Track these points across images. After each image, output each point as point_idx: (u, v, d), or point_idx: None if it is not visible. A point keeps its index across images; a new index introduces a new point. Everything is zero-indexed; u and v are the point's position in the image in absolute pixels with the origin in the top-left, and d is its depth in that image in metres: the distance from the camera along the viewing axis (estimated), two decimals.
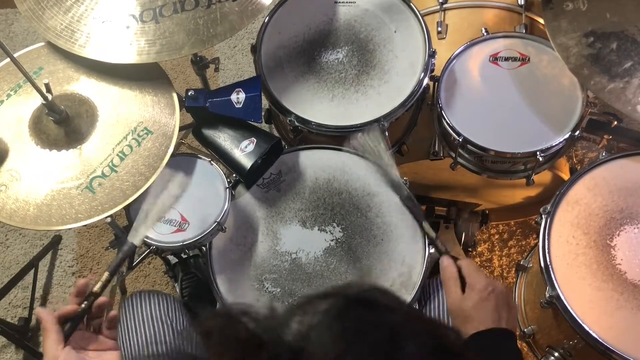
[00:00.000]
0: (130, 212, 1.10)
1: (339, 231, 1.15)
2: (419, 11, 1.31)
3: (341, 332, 0.33)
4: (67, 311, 0.80)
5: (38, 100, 1.05)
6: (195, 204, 1.11)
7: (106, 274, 0.85)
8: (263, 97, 1.20)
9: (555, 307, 1.09)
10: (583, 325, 1.04)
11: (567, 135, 1.20)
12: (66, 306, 0.81)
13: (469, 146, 1.23)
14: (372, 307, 0.37)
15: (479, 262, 1.77)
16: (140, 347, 1.07)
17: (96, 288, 0.83)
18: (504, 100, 1.26)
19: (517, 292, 1.40)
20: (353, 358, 0.31)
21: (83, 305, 0.81)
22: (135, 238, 0.88)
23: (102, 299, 0.83)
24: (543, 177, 1.36)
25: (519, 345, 1.65)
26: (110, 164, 1.06)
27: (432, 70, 1.27)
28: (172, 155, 1.08)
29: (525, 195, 1.59)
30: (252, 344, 0.34)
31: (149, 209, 0.89)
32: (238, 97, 1.15)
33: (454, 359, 0.35)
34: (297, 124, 1.23)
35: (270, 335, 0.34)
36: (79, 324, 0.81)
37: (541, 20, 1.36)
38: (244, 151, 1.14)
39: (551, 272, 1.10)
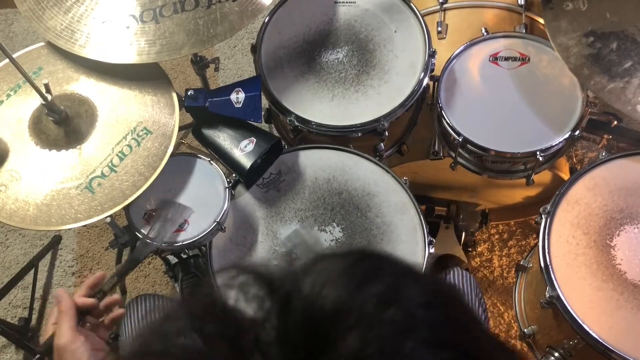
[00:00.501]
0: (130, 212, 1.10)
1: (339, 231, 1.15)
2: (419, 11, 1.31)
3: (348, 282, 0.34)
4: (87, 303, 0.78)
5: (38, 101, 1.04)
6: (195, 204, 1.11)
7: (115, 278, 0.86)
8: (263, 97, 1.20)
9: (555, 307, 1.09)
10: (583, 325, 1.04)
11: (567, 135, 1.20)
12: (87, 298, 0.79)
13: (469, 146, 1.23)
14: (380, 259, 0.39)
15: (479, 262, 1.77)
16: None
17: (106, 288, 0.83)
18: (504, 100, 1.26)
19: (517, 292, 1.40)
20: (360, 299, 0.33)
21: (95, 300, 0.81)
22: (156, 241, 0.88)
23: (115, 296, 0.82)
24: (543, 177, 1.36)
25: (519, 346, 1.65)
26: (110, 164, 1.06)
27: (432, 70, 1.27)
28: (172, 155, 1.08)
29: (525, 195, 1.59)
30: (270, 291, 0.34)
31: (173, 215, 0.90)
32: (238, 97, 1.15)
33: (454, 305, 0.38)
34: (297, 123, 1.23)
35: (291, 281, 0.35)
36: (83, 319, 0.80)
37: (541, 20, 1.35)
38: (243, 151, 1.14)
39: (551, 272, 1.10)
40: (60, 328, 0.74)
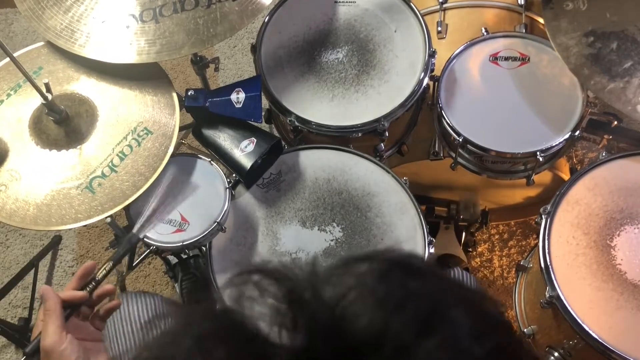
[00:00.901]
0: (131, 212, 1.10)
1: (339, 231, 1.15)
2: (419, 11, 1.31)
3: (384, 297, 0.31)
4: (76, 297, 0.76)
5: (38, 100, 1.04)
6: (195, 204, 1.11)
7: (110, 263, 0.84)
8: (263, 97, 1.20)
9: (555, 307, 1.09)
10: (583, 325, 1.04)
11: (567, 135, 1.20)
12: (75, 292, 0.77)
13: (469, 146, 1.23)
14: (415, 273, 0.35)
15: (479, 262, 1.77)
16: (127, 351, 1.04)
17: (99, 276, 0.81)
18: (504, 100, 1.26)
19: (517, 292, 1.40)
20: (397, 324, 0.29)
21: (86, 290, 0.78)
22: (140, 231, 0.87)
23: (108, 287, 0.80)
24: (543, 177, 1.36)
25: None
26: (110, 164, 1.06)
27: (432, 70, 1.27)
28: (172, 155, 1.08)
29: (525, 195, 1.59)
30: (290, 300, 0.32)
31: (157, 205, 0.89)
32: (238, 97, 1.14)
33: (497, 326, 0.33)
34: (297, 124, 1.23)
35: (312, 290, 0.31)
36: (76, 310, 0.77)
37: (541, 20, 1.35)
38: (244, 151, 1.14)
39: (551, 272, 1.10)
40: (46, 329, 0.72)
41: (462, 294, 0.34)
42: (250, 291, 0.32)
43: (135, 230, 0.88)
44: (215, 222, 1.09)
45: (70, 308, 0.76)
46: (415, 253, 0.34)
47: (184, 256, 1.60)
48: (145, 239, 1.05)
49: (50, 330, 0.71)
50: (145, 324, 1.07)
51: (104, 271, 0.82)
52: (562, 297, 1.07)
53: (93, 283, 0.80)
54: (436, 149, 1.36)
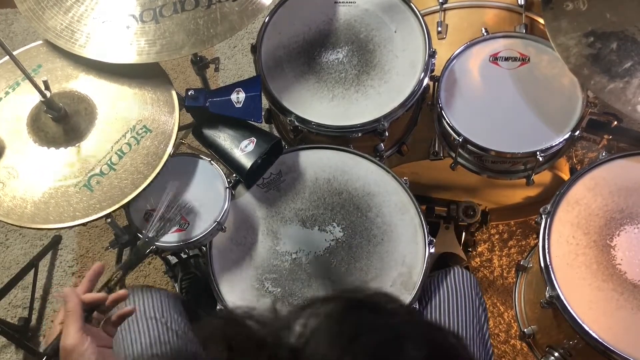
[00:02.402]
0: (130, 211, 1.10)
1: (339, 231, 1.15)
2: (419, 11, 1.31)
3: (338, 335, 0.33)
4: (98, 299, 0.77)
5: (36, 98, 1.04)
6: (195, 204, 1.11)
7: (120, 272, 0.85)
8: (263, 97, 1.20)
9: (555, 307, 1.09)
10: (583, 325, 1.04)
11: (567, 135, 1.20)
12: (96, 294, 0.78)
13: (469, 146, 1.23)
14: (373, 310, 0.37)
15: (479, 262, 1.77)
16: (132, 346, 1.05)
17: (112, 283, 0.82)
18: (504, 100, 1.26)
19: (517, 292, 1.40)
20: (349, 356, 0.31)
21: (104, 294, 0.79)
22: (155, 237, 0.88)
23: (122, 292, 0.81)
24: (543, 177, 1.36)
25: (519, 346, 1.65)
26: (109, 162, 1.06)
27: (432, 70, 1.27)
28: (172, 155, 1.08)
29: (525, 195, 1.59)
30: (253, 345, 0.34)
31: (167, 211, 0.90)
32: (238, 97, 1.15)
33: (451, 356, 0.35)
34: (297, 124, 1.23)
35: (273, 336, 0.34)
36: (90, 316, 0.78)
37: (541, 20, 1.36)
38: (244, 151, 1.14)
39: (551, 272, 1.10)
40: (67, 329, 0.73)
41: (417, 329, 0.36)
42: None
43: (150, 235, 0.88)
44: (216, 221, 1.09)
45: (88, 311, 0.77)
46: (381, 291, 0.35)
47: (184, 256, 1.60)
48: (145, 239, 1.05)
49: (72, 331, 0.72)
50: (150, 320, 1.08)
51: (116, 279, 0.83)
52: (562, 297, 1.07)
53: (106, 288, 0.80)
54: (436, 149, 1.36)
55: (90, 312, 0.78)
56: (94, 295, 0.77)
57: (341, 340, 0.32)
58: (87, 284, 0.79)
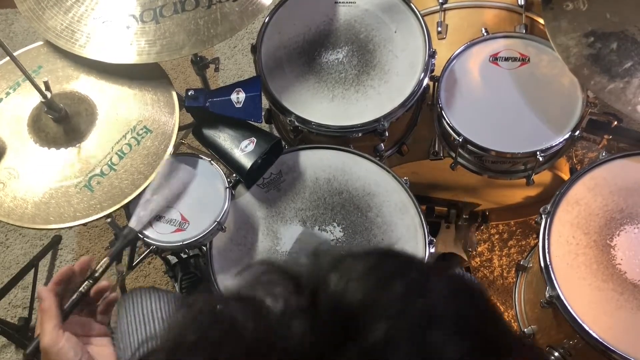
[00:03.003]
0: (130, 211, 1.10)
1: (339, 231, 1.15)
2: (419, 11, 1.31)
3: (378, 276, 0.35)
4: (62, 274, 0.77)
5: (37, 99, 1.05)
6: (195, 204, 1.11)
7: (106, 259, 0.84)
8: (263, 97, 1.20)
9: (555, 307, 1.09)
10: (583, 325, 1.04)
11: (567, 135, 1.20)
12: (61, 270, 0.78)
13: (469, 146, 1.23)
14: (402, 256, 0.40)
15: (479, 262, 1.77)
16: (137, 347, 1.05)
17: (97, 273, 0.81)
18: (504, 100, 1.26)
19: (517, 292, 1.40)
20: (387, 300, 0.34)
21: (82, 289, 0.78)
22: (136, 224, 0.87)
23: (103, 282, 0.80)
24: (543, 177, 1.36)
25: None
26: (109, 163, 1.06)
27: (432, 71, 1.27)
28: (172, 155, 1.08)
29: (525, 195, 1.59)
30: (292, 287, 0.35)
31: (152, 198, 0.89)
32: (238, 97, 1.15)
33: (476, 297, 0.38)
34: (297, 124, 1.23)
35: (315, 281, 0.35)
36: (76, 308, 0.78)
37: (541, 20, 1.36)
38: (244, 151, 1.14)
39: (551, 272, 1.10)
40: (43, 328, 0.73)
41: (441, 271, 0.39)
42: (263, 279, 0.36)
43: (132, 224, 0.88)
44: (216, 221, 1.09)
45: (68, 305, 0.76)
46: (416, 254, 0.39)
47: (184, 256, 1.60)
48: (145, 239, 1.05)
49: (47, 330, 0.72)
50: (157, 321, 1.08)
51: (102, 267, 0.82)
52: (562, 297, 1.07)
53: (90, 280, 0.80)
54: (436, 149, 1.36)
55: (74, 306, 0.77)
56: (59, 273, 0.77)
57: (377, 283, 0.35)
58: (57, 278, 0.78)
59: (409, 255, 0.39)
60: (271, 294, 0.35)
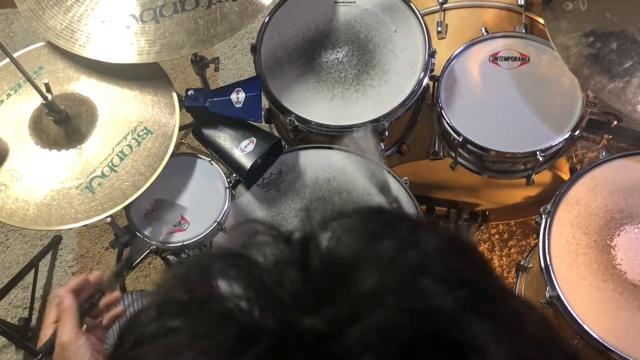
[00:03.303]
0: (131, 212, 1.10)
1: None
2: (419, 11, 1.31)
3: (369, 230, 0.36)
4: (83, 281, 0.78)
5: (38, 100, 1.05)
6: (195, 204, 1.11)
7: (114, 277, 0.85)
8: (263, 97, 1.20)
9: (555, 307, 1.09)
10: (583, 325, 1.04)
11: (567, 135, 1.20)
12: (81, 278, 0.79)
13: (469, 146, 1.23)
14: (394, 211, 0.41)
15: None
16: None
17: (105, 288, 0.82)
18: (504, 100, 1.26)
19: (517, 292, 1.40)
20: (379, 252, 0.34)
21: (93, 299, 0.80)
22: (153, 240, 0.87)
23: (115, 294, 0.82)
24: (543, 177, 1.36)
25: None
26: (110, 164, 1.06)
27: (432, 70, 1.27)
28: (172, 155, 1.08)
29: (525, 195, 1.59)
30: (284, 240, 0.36)
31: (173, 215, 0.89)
32: (238, 97, 1.15)
33: (468, 249, 0.38)
34: (297, 123, 1.23)
35: (306, 237, 0.36)
36: (85, 317, 0.79)
37: (541, 20, 1.35)
38: (243, 151, 1.14)
39: (551, 272, 1.10)
40: (63, 326, 0.74)
41: (433, 225, 0.39)
42: (253, 236, 0.36)
43: (135, 243, 0.88)
44: (216, 221, 1.09)
45: (81, 315, 0.78)
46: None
47: (184, 256, 1.60)
48: (145, 239, 1.05)
49: (68, 328, 0.73)
50: None
51: (109, 284, 0.84)
52: (562, 297, 1.07)
53: (99, 293, 0.81)
54: (436, 149, 1.36)
55: (84, 314, 0.79)
56: (78, 280, 0.78)
57: (368, 236, 0.35)
58: (79, 282, 0.79)
59: (401, 210, 0.40)
60: (262, 250, 0.35)
